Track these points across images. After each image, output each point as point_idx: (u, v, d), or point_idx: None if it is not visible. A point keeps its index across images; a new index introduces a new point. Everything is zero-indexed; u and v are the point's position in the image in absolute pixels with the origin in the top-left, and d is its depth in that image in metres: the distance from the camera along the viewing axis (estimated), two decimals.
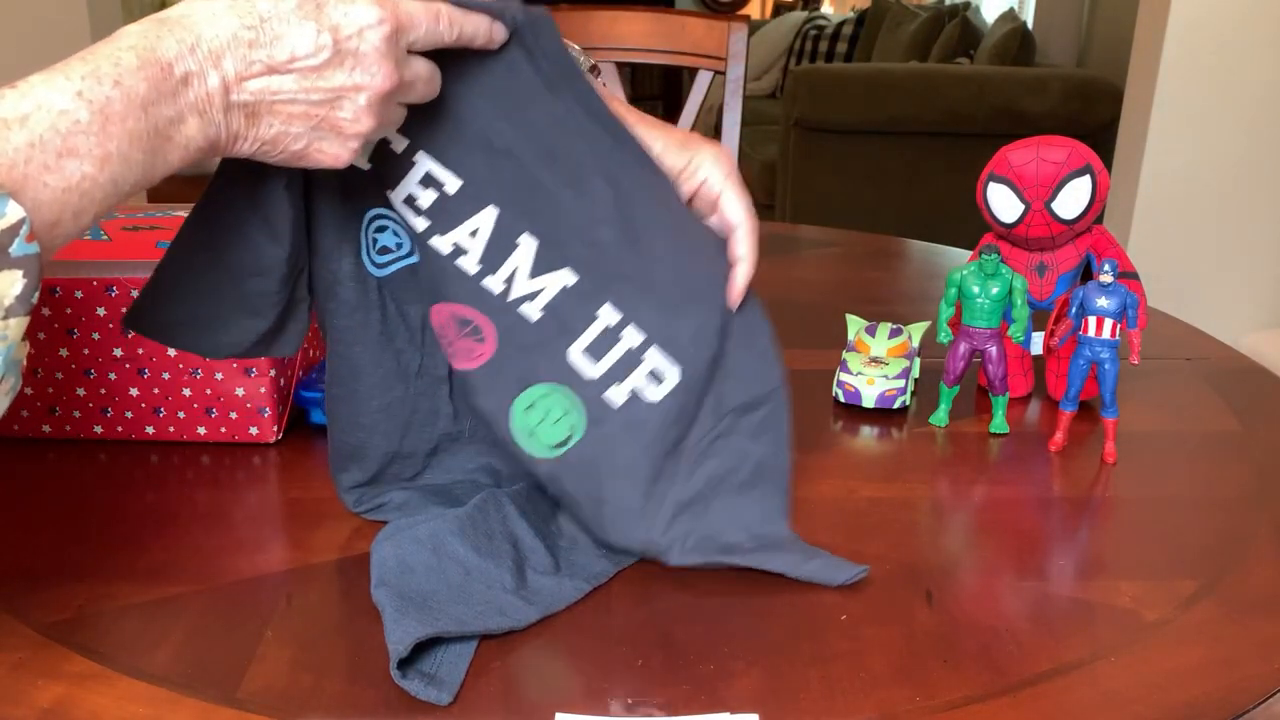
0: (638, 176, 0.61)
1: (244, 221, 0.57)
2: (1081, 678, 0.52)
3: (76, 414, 0.74)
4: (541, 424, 0.62)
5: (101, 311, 0.71)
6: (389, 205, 0.61)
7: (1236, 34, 2.11)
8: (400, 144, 0.58)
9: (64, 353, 0.72)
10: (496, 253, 0.60)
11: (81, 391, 0.73)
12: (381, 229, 0.62)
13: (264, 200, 0.57)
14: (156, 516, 0.65)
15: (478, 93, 0.58)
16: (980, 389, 0.87)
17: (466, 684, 0.50)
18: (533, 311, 0.61)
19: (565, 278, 0.61)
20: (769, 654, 0.53)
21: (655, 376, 0.61)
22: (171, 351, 0.72)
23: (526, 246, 0.60)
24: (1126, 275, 0.80)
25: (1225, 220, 2.23)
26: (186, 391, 0.73)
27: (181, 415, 0.74)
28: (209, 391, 0.73)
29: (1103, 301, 0.73)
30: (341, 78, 0.48)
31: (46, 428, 0.75)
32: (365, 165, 0.59)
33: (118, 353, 0.72)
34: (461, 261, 0.61)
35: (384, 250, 0.63)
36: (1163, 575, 0.61)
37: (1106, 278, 0.73)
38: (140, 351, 0.72)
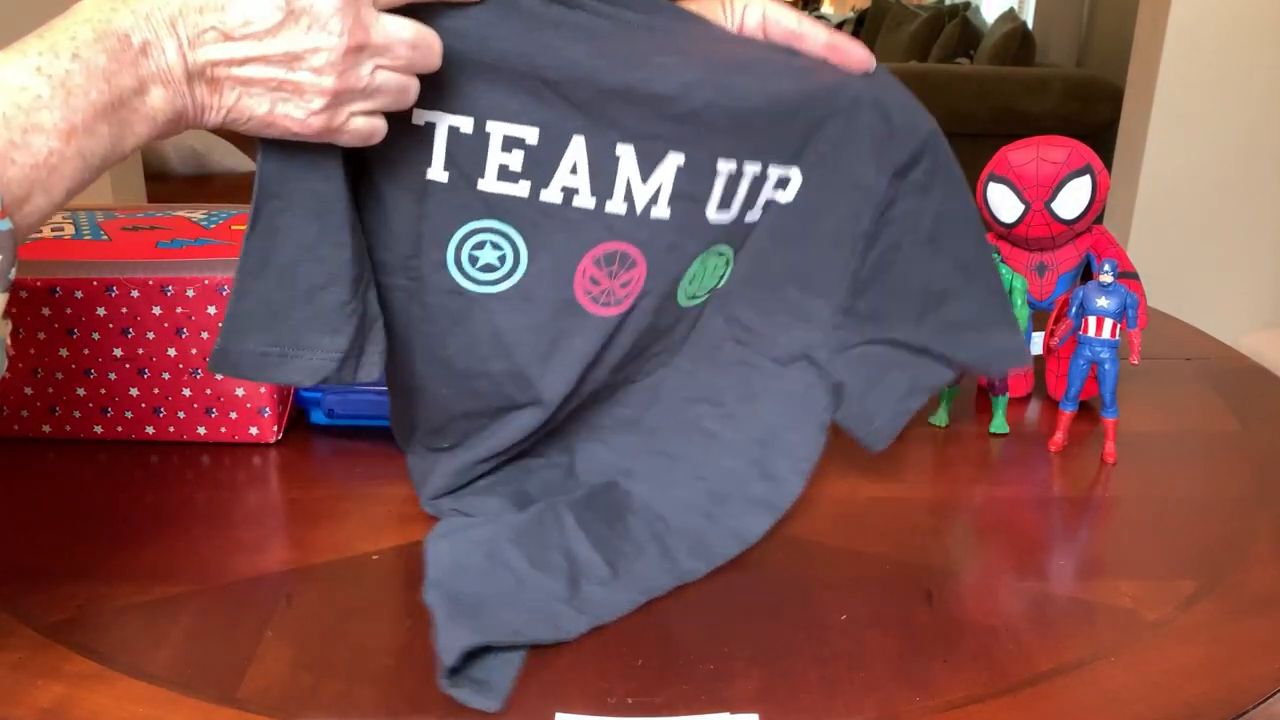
0: (688, 34, 0.60)
1: (303, 232, 0.55)
2: (1081, 678, 0.52)
3: (76, 414, 0.74)
4: (702, 281, 0.65)
5: (101, 311, 0.71)
6: (486, 213, 0.59)
7: (1236, 34, 2.11)
8: (467, 123, 0.57)
9: (64, 353, 0.72)
10: (603, 176, 0.59)
11: (81, 391, 0.73)
12: (480, 245, 0.60)
13: (319, 205, 0.55)
14: (156, 516, 0.65)
15: (504, 42, 0.56)
16: (980, 389, 0.87)
17: None
18: (662, 211, 0.61)
19: (674, 161, 0.60)
20: (769, 654, 0.53)
21: (782, 183, 0.62)
22: (171, 351, 0.72)
23: (626, 155, 0.59)
24: (1126, 275, 0.80)
25: (1225, 220, 2.23)
26: (186, 391, 0.73)
27: (181, 415, 0.74)
28: (209, 391, 0.73)
29: (1103, 301, 0.73)
30: (297, 39, 0.47)
31: (46, 428, 0.75)
32: (442, 176, 0.58)
33: (118, 353, 0.72)
34: (578, 201, 0.60)
35: (488, 268, 0.61)
36: (1163, 575, 0.61)
37: (1106, 278, 0.73)
38: (140, 352, 0.72)
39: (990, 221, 0.83)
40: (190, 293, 0.70)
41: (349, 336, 0.57)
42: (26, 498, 0.68)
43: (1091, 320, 0.74)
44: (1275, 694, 0.51)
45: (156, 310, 0.71)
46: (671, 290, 0.64)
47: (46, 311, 0.71)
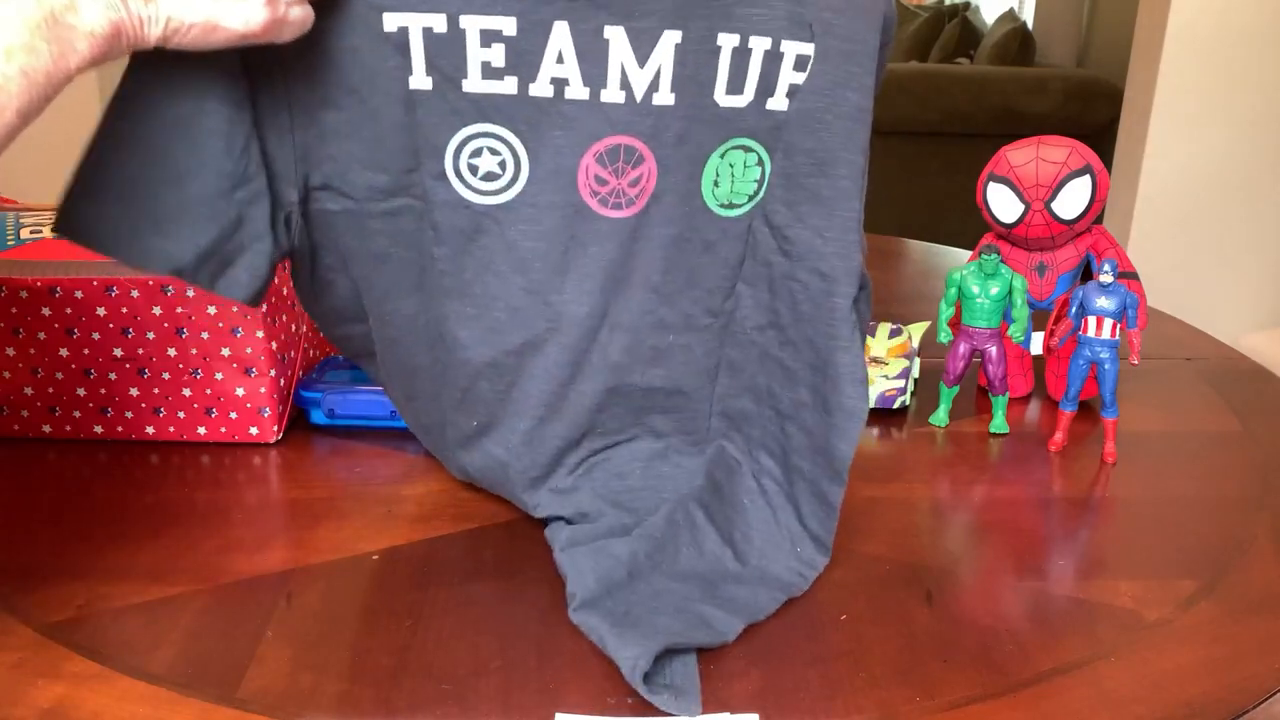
0: None
1: (178, 110, 0.52)
2: (1081, 678, 0.52)
3: (76, 414, 0.74)
4: (733, 186, 0.61)
5: (101, 311, 0.71)
6: (478, 117, 0.57)
7: (1236, 34, 2.11)
8: (439, 21, 0.55)
9: (64, 353, 0.72)
10: (594, 63, 0.57)
11: (81, 391, 0.73)
12: (477, 153, 0.58)
13: (207, 93, 0.52)
14: (156, 516, 0.65)
15: None
16: (980, 389, 0.87)
17: (466, 684, 0.50)
18: (666, 98, 0.58)
19: (671, 40, 0.57)
20: (769, 654, 0.53)
21: (801, 63, 0.59)
22: (172, 351, 0.72)
23: (616, 39, 0.56)
24: (1126, 275, 0.80)
25: (1225, 220, 2.23)
26: (186, 391, 0.73)
27: (181, 415, 0.74)
28: (209, 391, 0.73)
29: (1103, 301, 0.73)
30: None
31: (46, 428, 0.75)
32: (426, 83, 0.56)
33: (118, 353, 0.72)
34: (571, 93, 0.57)
35: (489, 176, 0.58)
36: (1163, 575, 0.61)
37: (1106, 278, 0.73)
38: (140, 352, 0.72)
39: (990, 221, 0.83)
40: (190, 293, 0.70)
41: (212, 236, 0.54)
42: (26, 498, 0.68)
43: (1091, 320, 0.74)
44: (1275, 694, 0.51)
45: (156, 310, 0.71)
46: (693, 190, 0.61)
47: (46, 311, 0.71)
